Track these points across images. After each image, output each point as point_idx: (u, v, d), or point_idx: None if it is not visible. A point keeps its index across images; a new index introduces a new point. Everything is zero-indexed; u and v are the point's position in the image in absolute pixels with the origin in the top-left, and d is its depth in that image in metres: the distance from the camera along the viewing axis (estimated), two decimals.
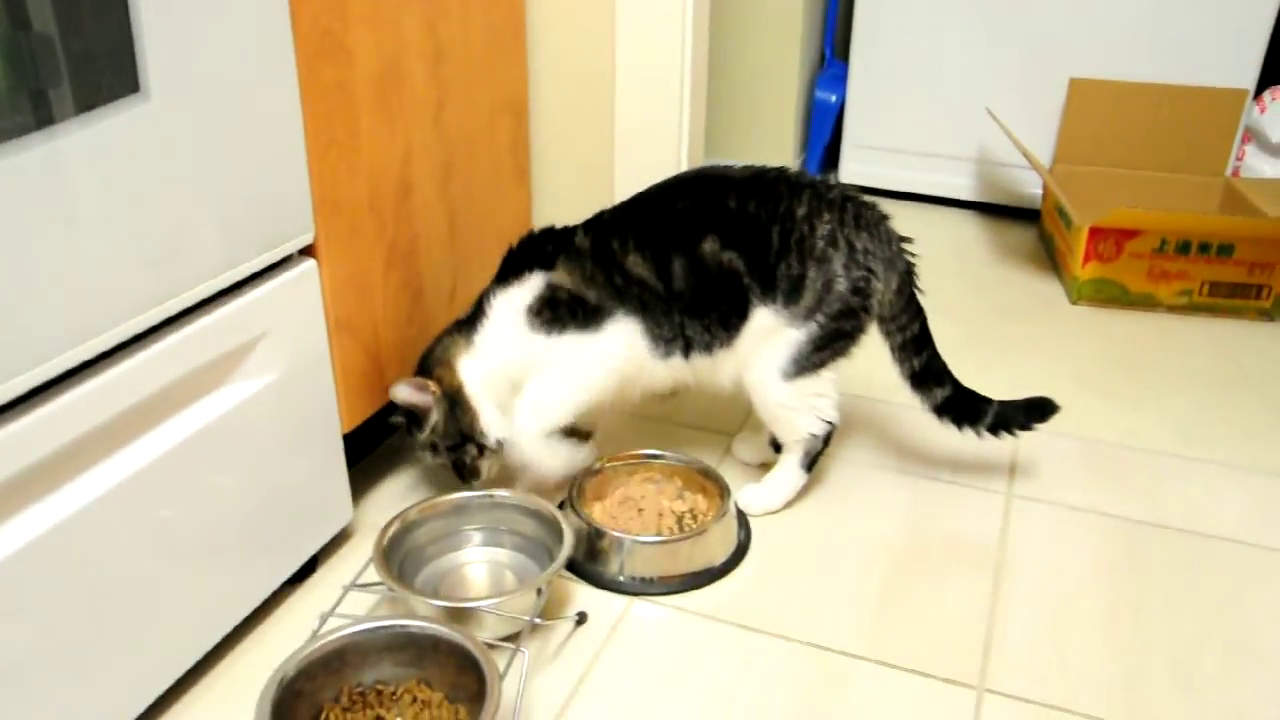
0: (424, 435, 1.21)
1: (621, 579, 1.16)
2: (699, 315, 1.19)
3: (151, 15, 0.81)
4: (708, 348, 1.20)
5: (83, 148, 0.78)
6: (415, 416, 1.21)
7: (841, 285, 1.18)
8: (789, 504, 1.30)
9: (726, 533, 1.21)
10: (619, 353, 1.18)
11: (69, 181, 0.78)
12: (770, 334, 1.19)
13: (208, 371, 0.95)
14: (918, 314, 1.27)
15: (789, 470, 1.28)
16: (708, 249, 1.17)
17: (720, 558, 1.19)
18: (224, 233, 0.93)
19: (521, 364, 1.19)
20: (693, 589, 1.16)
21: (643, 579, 1.15)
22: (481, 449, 1.21)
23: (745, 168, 1.22)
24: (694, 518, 1.23)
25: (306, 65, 0.99)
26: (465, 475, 1.23)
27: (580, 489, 1.23)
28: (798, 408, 1.23)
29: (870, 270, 1.19)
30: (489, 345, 1.19)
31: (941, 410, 1.29)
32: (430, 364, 1.21)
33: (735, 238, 1.17)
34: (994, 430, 1.29)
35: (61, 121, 0.76)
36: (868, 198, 1.23)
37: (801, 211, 1.18)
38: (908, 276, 1.25)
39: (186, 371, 0.92)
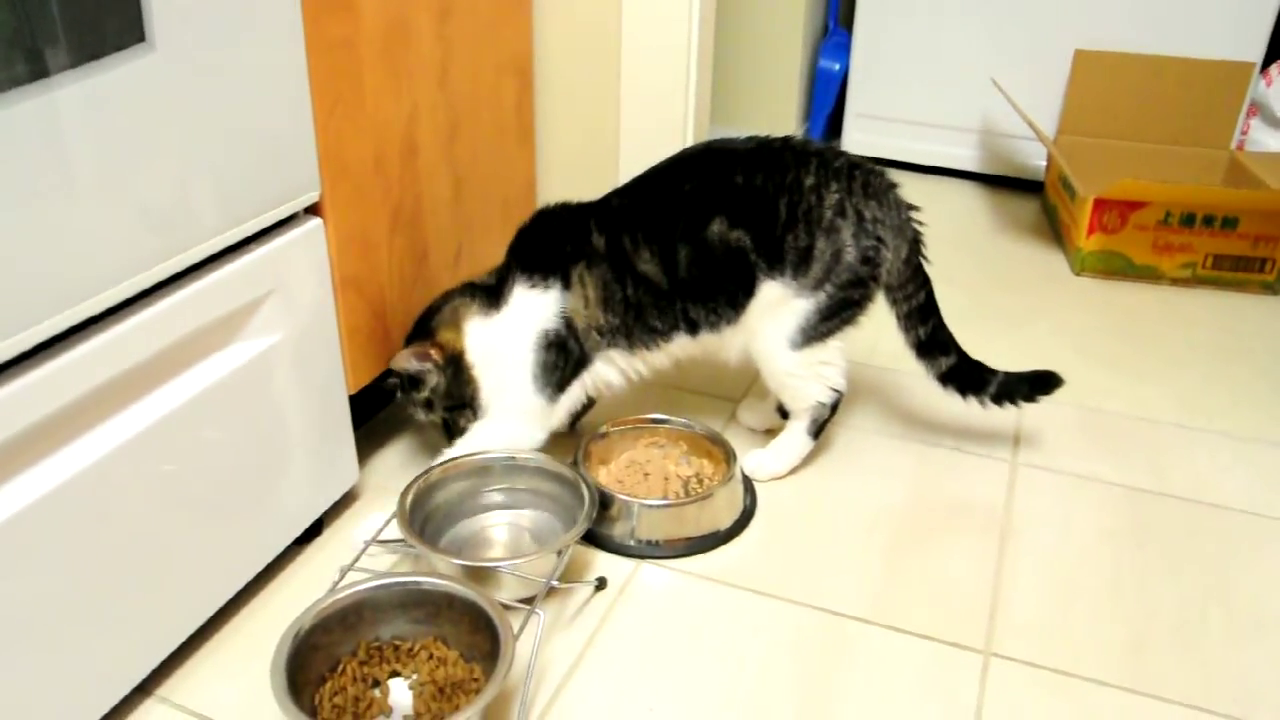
0: (420, 395, 1.21)
1: (630, 542, 1.16)
2: (705, 300, 1.18)
3: None
4: (714, 327, 1.20)
5: (88, 98, 0.77)
6: (413, 378, 1.20)
7: (850, 255, 1.17)
8: (794, 470, 1.30)
9: (732, 497, 1.20)
10: (596, 385, 1.23)
11: (74, 133, 0.76)
12: (778, 305, 1.19)
13: (214, 329, 0.94)
14: (924, 283, 1.26)
15: (795, 437, 1.28)
16: (715, 230, 1.16)
17: (726, 522, 1.19)
18: (230, 189, 0.92)
19: (518, 365, 1.18)
20: (699, 552, 1.16)
21: (649, 542, 1.15)
22: (475, 414, 1.20)
23: (750, 139, 1.21)
24: (700, 482, 1.23)
25: (312, 20, 0.98)
26: (453, 435, 1.22)
27: (586, 453, 1.22)
28: (806, 376, 1.23)
29: (880, 239, 1.18)
30: (501, 331, 1.18)
31: (946, 379, 1.29)
32: (437, 324, 1.20)
33: (742, 215, 1.16)
34: (998, 400, 1.29)
35: (66, 71, 0.75)
36: (875, 165, 1.22)
37: (809, 182, 1.17)
38: (915, 245, 1.24)
39: (193, 329, 0.91)
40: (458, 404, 1.20)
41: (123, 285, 0.84)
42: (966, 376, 1.29)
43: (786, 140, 1.21)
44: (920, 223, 1.24)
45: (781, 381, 1.24)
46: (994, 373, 1.29)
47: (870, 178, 1.20)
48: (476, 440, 1.19)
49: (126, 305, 0.85)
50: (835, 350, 1.23)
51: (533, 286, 1.18)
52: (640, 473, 1.24)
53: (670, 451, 1.27)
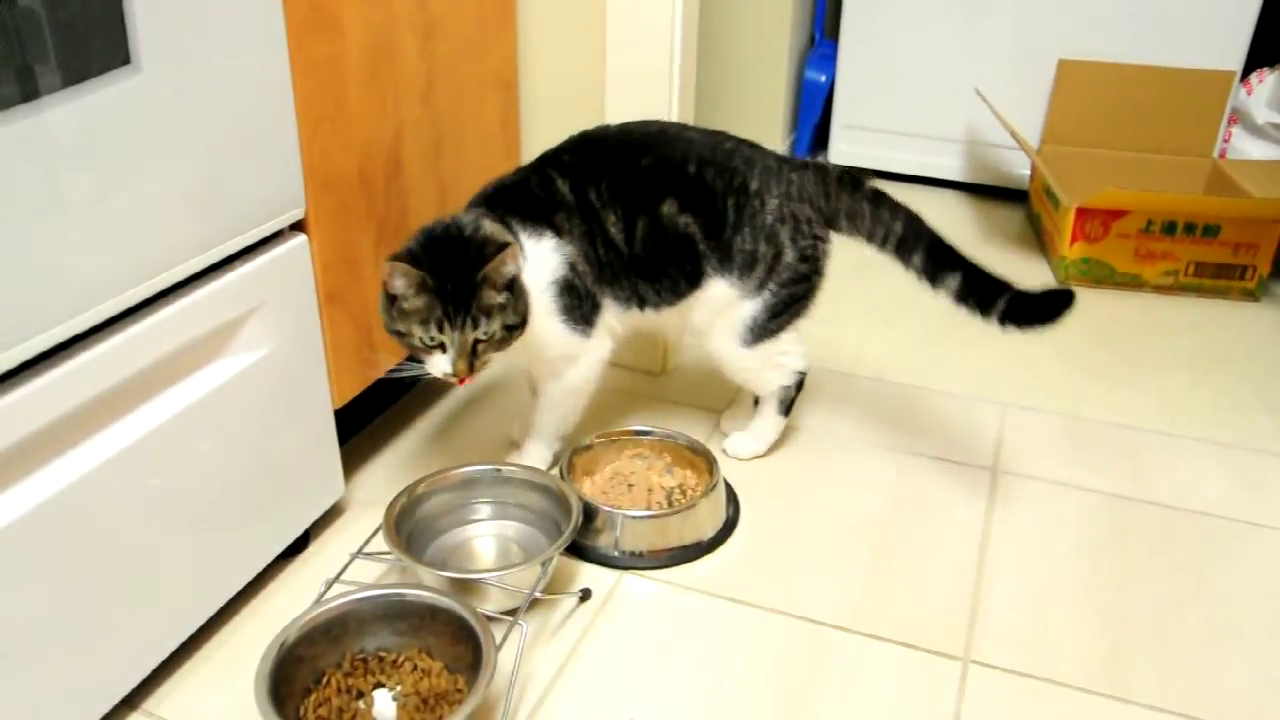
0: (508, 301, 1.10)
1: (614, 554, 1.17)
2: (653, 279, 1.20)
3: None
4: (657, 308, 1.23)
5: (74, 120, 0.78)
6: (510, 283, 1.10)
7: (790, 256, 1.21)
8: (771, 450, 1.36)
9: (715, 507, 1.22)
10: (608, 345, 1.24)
11: (59, 154, 0.78)
12: (726, 306, 1.22)
13: (200, 346, 0.96)
14: (894, 213, 1.24)
15: (768, 418, 1.34)
16: (666, 211, 1.18)
17: (709, 532, 1.20)
18: (215, 207, 0.93)
19: (544, 314, 1.16)
20: (683, 563, 1.17)
21: (633, 553, 1.16)
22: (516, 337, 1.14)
23: (704, 130, 1.24)
24: (683, 493, 1.24)
25: (296, 39, 0.99)
26: (474, 369, 1.11)
27: (570, 465, 1.23)
28: (763, 368, 1.28)
29: (816, 237, 1.22)
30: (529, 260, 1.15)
31: (960, 299, 1.22)
32: (495, 238, 1.10)
33: (692, 203, 1.18)
34: (1004, 323, 1.21)
35: (51, 93, 0.76)
36: (803, 160, 1.26)
37: (754, 187, 1.19)
38: (852, 189, 1.23)
39: (179, 346, 0.93)
40: (520, 322, 1.12)
41: (109, 302, 0.85)
42: (978, 291, 1.21)
43: (738, 141, 1.23)
44: (851, 171, 1.25)
45: (742, 376, 1.30)
46: (1006, 287, 1.21)
47: (796, 176, 1.22)
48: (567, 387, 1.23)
49: (113, 322, 0.87)
50: (789, 340, 1.27)
51: (533, 234, 1.15)
52: (624, 484, 1.25)
53: (654, 463, 1.28)
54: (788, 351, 1.28)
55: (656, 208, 1.17)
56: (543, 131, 1.46)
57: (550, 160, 1.20)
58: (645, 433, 1.29)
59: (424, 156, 1.24)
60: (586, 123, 1.43)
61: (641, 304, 1.22)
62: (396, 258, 1.05)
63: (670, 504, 1.22)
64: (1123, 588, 1.16)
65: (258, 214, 0.99)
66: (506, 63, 1.39)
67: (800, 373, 1.31)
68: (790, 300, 1.23)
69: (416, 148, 1.22)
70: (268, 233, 1.01)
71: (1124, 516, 1.27)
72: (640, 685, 1.02)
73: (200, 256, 0.93)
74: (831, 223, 1.24)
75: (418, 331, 1.06)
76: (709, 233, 1.19)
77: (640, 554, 1.17)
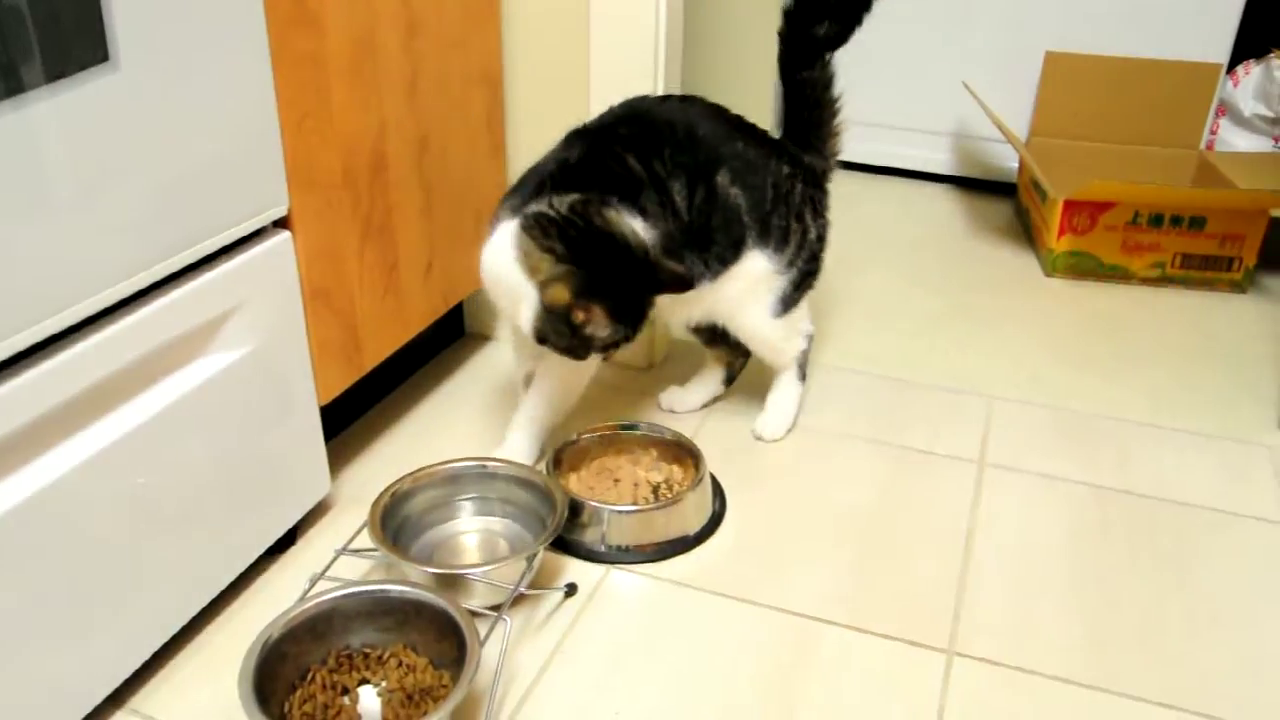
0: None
1: (601, 548, 1.17)
2: (704, 249, 1.21)
3: None
4: (699, 279, 1.22)
5: (52, 118, 0.78)
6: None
7: (812, 234, 1.30)
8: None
9: (701, 502, 1.22)
10: None
11: (38, 152, 0.78)
12: (761, 279, 1.27)
13: (183, 343, 0.96)
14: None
15: (790, 387, 1.40)
16: (720, 181, 1.21)
17: (695, 526, 1.20)
18: (197, 204, 0.93)
19: None
20: (669, 557, 1.17)
21: (620, 548, 1.17)
22: None
23: (735, 114, 1.28)
24: (669, 487, 1.24)
25: (278, 36, 0.99)
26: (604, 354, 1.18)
27: (557, 460, 1.24)
28: (788, 335, 1.35)
29: (825, 218, 1.33)
30: None
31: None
32: (669, 268, 1.14)
33: (741, 177, 1.22)
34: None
35: (29, 91, 0.76)
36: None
37: (785, 170, 1.26)
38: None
39: (161, 343, 0.93)
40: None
41: (89, 300, 0.85)
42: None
43: (763, 130, 1.29)
44: None
45: (771, 346, 1.36)
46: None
47: (809, 160, 1.32)
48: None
49: (95, 319, 0.87)
50: (804, 306, 1.35)
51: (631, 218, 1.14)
52: (610, 479, 1.25)
53: (640, 458, 1.28)
54: (803, 317, 1.36)
55: (713, 177, 1.20)
56: (529, 128, 1.46)
57: (608, 135, 1.20)
58: (632, 427, 1.30)
59: (408, 153, 1.24)
60: (572, 119, 1.43)
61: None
62: (586, 296, 1.07)
63: (657, 498, 1.22)
64: (1107, 578, 1.16)
65: (240, 211, 0.99)
66: (491, 59, 1.39)
67: (811, 335, 1.39)
68: (809, 274, 1.32)
69: (401, 144, 1.22)
70: (250, 230, 1.01)
71: (1109, 508, 1.28)
72: (625, 679, 1.02)
73: (182, 254, 0.93)
74: None
75: (591, 345, 1.12)
76: (752, 206, 1.23)
77: (626, 548, 1.17)
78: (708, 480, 1.23)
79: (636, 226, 1.13)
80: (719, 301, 1.27)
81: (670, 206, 1.18)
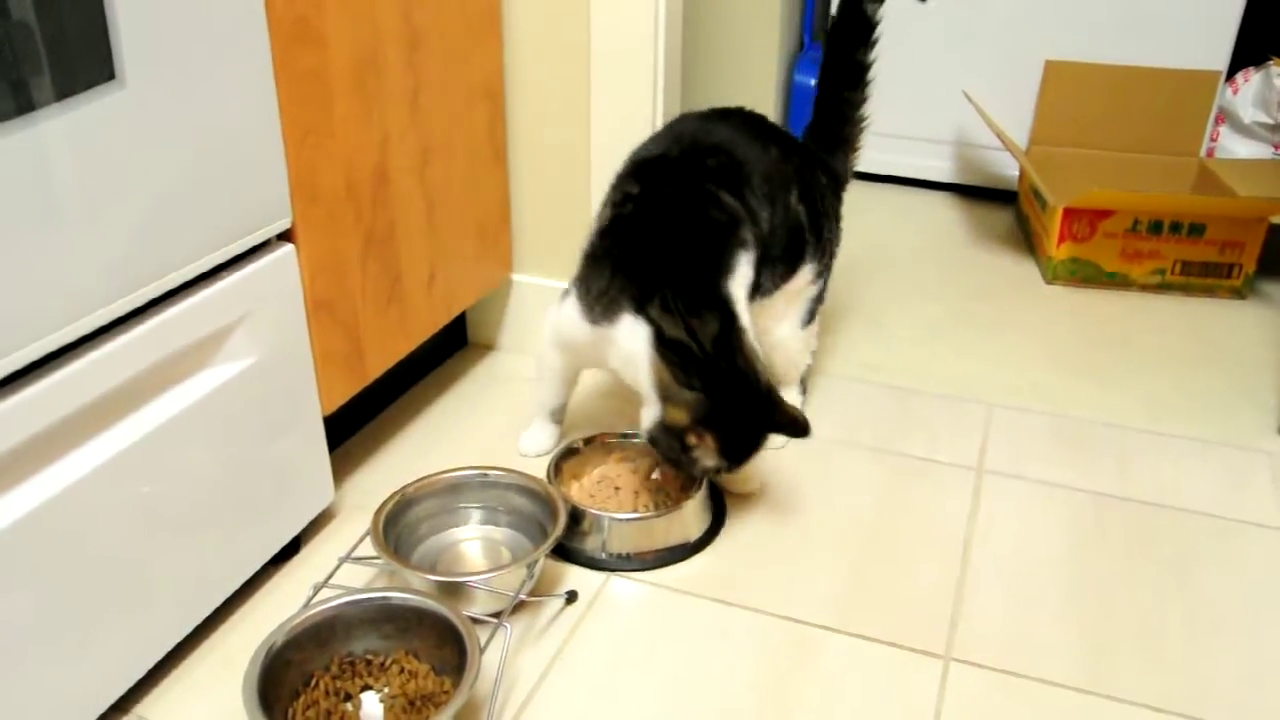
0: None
1: (601, 556, 1.18)
2: (773, 264, 1.23)
3: (126, 3, 0.82)
4: (764, 295, 1.24)
5: (60, 135, 0.80)
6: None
7: (838, 243, 1.37)
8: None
9: (701, 509, 1.23)
10: None
11: (47, 168, 0.79)
12: (803, 289, 1.31)
13: (188, 355, 0.97)
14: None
15: (792, 398, 1.41)
16: (792, 200, 1.24)
17: (695, 533, 1.22)
18: (202, 218, 0.95)
19: None
20: (669, 564, 1.18)
21: (620, 555, 1.18)
22: None
23: (777, 125, 1.33)
24: (669, 496, 1.25)
25: (281, 52, 1.01)
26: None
27: (558, 469, 1.25)
28: (807, 346, 1.40)
29: (840, 225, 1.37)
30: None
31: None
32: (788, 412, 1.14)
33: (805, 192, 1.26)
34: None
35: (38, 109, 0.78)
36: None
37: (824, 180, 1.31)
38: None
39: (166, 355, 0.94)
40: None
41: (96, 313, 0.86)
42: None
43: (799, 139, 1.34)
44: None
45: (793, 356, 1.38)
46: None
47: (836, 172, 1.36)
48: None
49: (100, 333, 0.88)
50: (818, 319, 1.40)
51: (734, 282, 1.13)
52: (611, 487, 1.26)
53: (641, 466, 1.30)
54: (815, 331, 1.40)
55: (788, 196, 1.23)
56: (531, 139, 1.48)
57: (696, 170, 1.17)
58: (632, 436, 1.31)
59: (411, 167, 1.26)
60: (574, 130, 1.45)
61: (755, 292, 1.21)
62: (704, 424, 1.07)
63: (656, 507, 1.23)
64: (1106, 585, 1.17)
65: (245, 224, 1.00)
66: (493, 73, 1.41)
67: (815, 350, 1.43)
68: (827, 282, 1.36)
69: (403, 158, 1.24)
70: (255, 243, 1.02)
71: (1108, 515, 1.29)
72: (625, 685, 1.03)
73: (188, 267, 0.95)
74: None
75: (695, 467, 1.13)
76: (810, 219, 1.26)
77: (627, 556, 1.18)
78: (706, 488, 1.24)
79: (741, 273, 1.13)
80: (763, 314, 1.26)
81: (760, 236, 1.18)
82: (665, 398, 1.08)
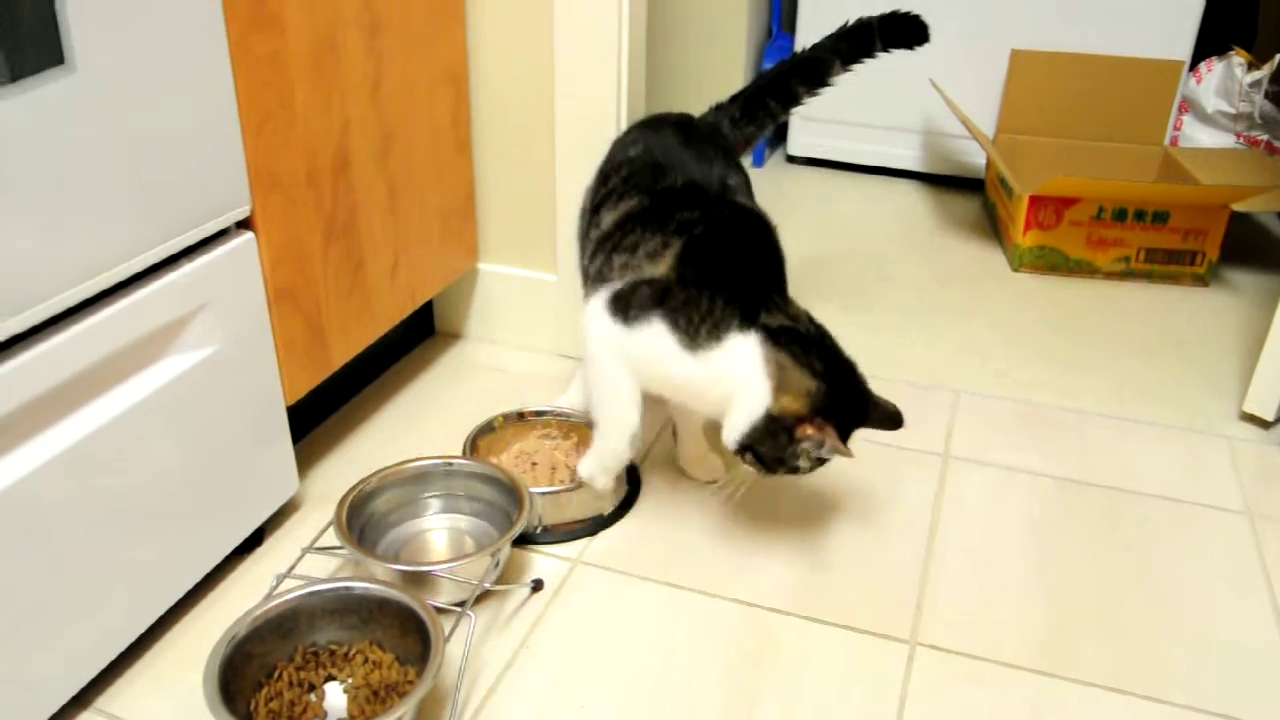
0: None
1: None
2: None
3: None
4: None
5: (8, 120, 0.78)
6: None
7: None
8: None
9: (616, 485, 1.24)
10: None
11: None
12: None
13: (146, 344, 0.96)
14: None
15: None
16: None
17: (609, 507, 1.24)
18: (157, 206, 0.94)
19: None
20: (583, 536, 1.21)
21: (538, 528, 1.20)
22: None
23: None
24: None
25: (238, 37, 0.99)
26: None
27: (474, 446, 1.27)
28: None
29: None
30: None
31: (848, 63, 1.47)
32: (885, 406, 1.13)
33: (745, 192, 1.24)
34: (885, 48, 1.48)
35: None
36: None
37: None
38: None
39: (123, 344, 0.93)
40: None
41: (51, 301, 0.85)
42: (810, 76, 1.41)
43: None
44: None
45: None
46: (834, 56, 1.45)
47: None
48: None
49: (56, 321, 0.87)
50: None
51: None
52: (528, 462, 1.28)
53: (560, 443, 1.31)
54: None
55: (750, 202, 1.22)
56: (495, 125, 1.47)
57: (723, 192, 1.16)
58: (546, 412, 1.32)
59: (372, 153, 1.25)
60: (539, 116, 1.44)
61: None
62: (824, 414, 1.04)
63: (574, 481, 1.21)
64: (1069, 569, 1.18)
65: (202, 212, 0.99)
66: (457, 58, 1.40)
67: None
68: None
69: (364, 145, 1.23)
70: (213, 230, 1.01)
71: (1072, 499, 1.30)
72: (591, 673, 1.03)
73: (144, 255, 0.93)
74: None
75: (797, 460, 1.08)
76: None
77: (547, 529, 1.20)
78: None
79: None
80: None
81: None
82: (780, 388, 1.05)
